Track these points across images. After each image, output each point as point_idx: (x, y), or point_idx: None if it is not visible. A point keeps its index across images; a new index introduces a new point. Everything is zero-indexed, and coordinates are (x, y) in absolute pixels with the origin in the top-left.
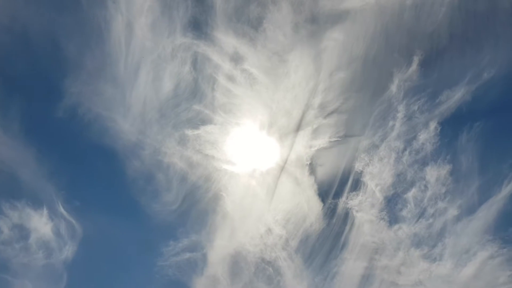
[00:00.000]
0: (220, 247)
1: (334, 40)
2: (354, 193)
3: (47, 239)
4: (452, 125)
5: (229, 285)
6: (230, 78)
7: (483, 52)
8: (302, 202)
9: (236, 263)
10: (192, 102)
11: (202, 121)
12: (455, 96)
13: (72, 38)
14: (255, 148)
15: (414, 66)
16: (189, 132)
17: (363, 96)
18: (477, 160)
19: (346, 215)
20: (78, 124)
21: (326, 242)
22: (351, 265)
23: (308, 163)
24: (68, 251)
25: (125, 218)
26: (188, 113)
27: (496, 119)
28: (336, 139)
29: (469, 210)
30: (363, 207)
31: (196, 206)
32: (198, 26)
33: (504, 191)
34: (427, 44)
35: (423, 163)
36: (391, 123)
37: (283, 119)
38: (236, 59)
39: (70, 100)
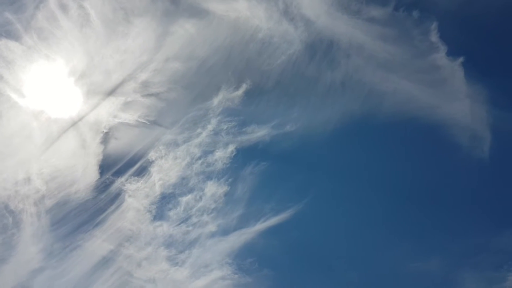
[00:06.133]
0: None
1: (185, 30)
2: (135, 178)
3: None
4: (245, 155)
5: None
6: (63, 7)
7: (294, 108)
8: (78, 166)
9: None
10: (5, 8)
11: (8, 33)
12: (258, 133)
13: None
14: (54, 90)
15: (240, 92)
16: None
17: (187, 94)
18: (249, 193)
19: (117, 195)
20: None
21: (84, 213)
22: (97, 244)
23: (104, 131)
24: None
25: None
26: None
27: (279, 166)
28: (144, 121)
29: (224, 232)
30: (137, 195)
31: None
32: None
33: (256, 227)
34: (257, 79)
35: (208, 177)
36: (199, 130)
37: (100, 77)
38: None
39: None
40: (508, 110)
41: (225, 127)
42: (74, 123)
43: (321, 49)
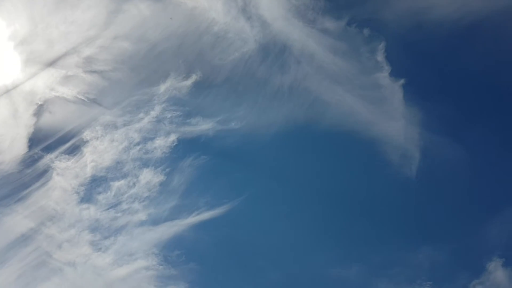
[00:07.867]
0: None
1: (139, 10)
2: (66, 156)
3: None
4: (186, 147)
5: None
6: None
7: (241, 106)
8: (6, 136)
9: None
10: None
11: None
12: (202, 126)
13: None
14: None
15: (189, 82)
16: None
17: (133, 77)
18: (185, 185)
19: (45, 172)
20: None
21: (6, 187)
22: (17, 220)
23: (39, 103)
24: None
25: None
26: None
27: (218, 162)
28: (82, 98)
29: (154, 221)
30: (66, 174)
31: None
32: None
33: (188, 220)
34: (207, 72)
35: (145, 164)
36: (141, 115)
37: (41, 45)
38: None
39: None
40: (439, 135)
41: (169, 115)
42: (7, 91)
43: (274, 52)
